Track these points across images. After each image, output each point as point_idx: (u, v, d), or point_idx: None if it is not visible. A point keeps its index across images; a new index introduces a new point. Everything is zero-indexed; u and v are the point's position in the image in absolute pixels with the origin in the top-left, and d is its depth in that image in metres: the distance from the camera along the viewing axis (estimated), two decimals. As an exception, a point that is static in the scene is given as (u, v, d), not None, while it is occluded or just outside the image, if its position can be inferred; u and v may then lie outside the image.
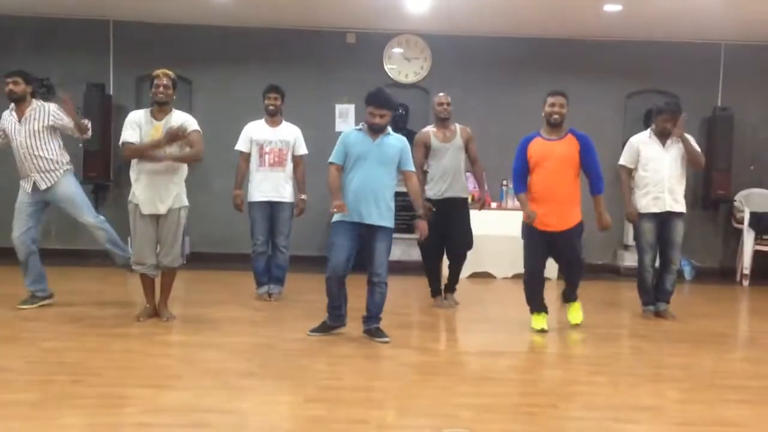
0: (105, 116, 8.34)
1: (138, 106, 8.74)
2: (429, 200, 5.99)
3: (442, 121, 6.12)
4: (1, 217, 8.28)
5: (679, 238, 5.89)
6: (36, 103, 5.62)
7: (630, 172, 5.99)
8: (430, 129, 6.18)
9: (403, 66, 8.91)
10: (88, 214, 5.70)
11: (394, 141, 5.03)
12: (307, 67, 8.70)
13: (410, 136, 8.60)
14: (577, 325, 5.52)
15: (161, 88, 5.11)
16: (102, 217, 5.82)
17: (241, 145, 6.24)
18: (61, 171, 5.64)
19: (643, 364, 4.69)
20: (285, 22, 8.51)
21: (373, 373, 4.35)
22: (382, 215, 4.91)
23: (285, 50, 8.72)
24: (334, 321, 5.07)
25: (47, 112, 5.59)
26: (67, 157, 5.71)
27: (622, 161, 6.04)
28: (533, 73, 8.67)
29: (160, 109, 5.16)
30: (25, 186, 5.62)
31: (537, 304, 5.45)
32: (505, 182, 8.04)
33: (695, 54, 8.71)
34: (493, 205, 8.11)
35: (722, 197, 8.56)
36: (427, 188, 6.04)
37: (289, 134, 6.22)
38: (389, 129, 5.06)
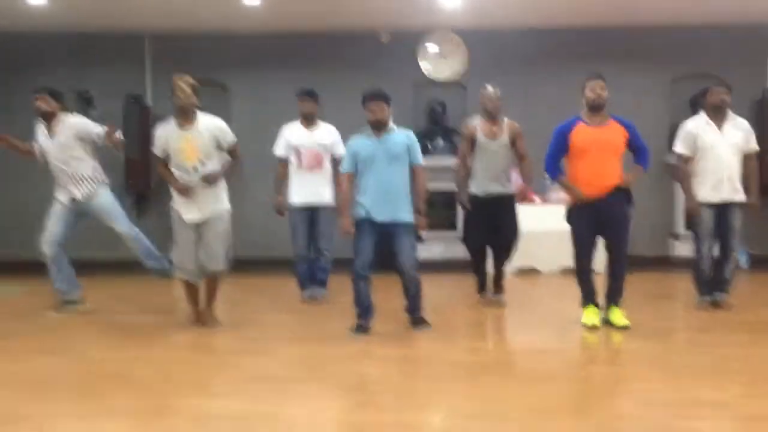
0: (144, 126, 8.39)
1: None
2: (473, 196, 5.88)
3: (490, 116, 5.90)
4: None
5: (738, 226, 5.65)
6: (63, 117, 5.69)
7: (690, 161, 5.69)
8: (476, 123, 5.97)
9: (438, 63, 8.81)
10: (123, 224, 5.75)
11: (400, 136, 5.02)
12: (342, 69, 8.66)
13: (448, 133, 8.61)
14: (624, 328, 5.11)
15: (182, 95, 5.04)
16: (137, 229, 5.85)
17: (279, 150, 6.21)
18: (96, 183, 5.71)
19: (702, 358, 4.49)
20: (318, 26, 8.47)
21: (422, 375, 4.25)
22: (398, 210, 4.93)
23: (319, 53, 8.70)
24: (366, 320, 5.04)
25: (68, 125, 5.66)
26: (101, 171, 5.78)
27: (680, 150, 5.72)
28: (572, 64, 8.45)
29: (183, 116, 5.08)
30: (62, 198, 5.69)
31: (589, 295, 5.26)
32: (547, 176, 7.85)
33: (742, 36, 8.42)
34: (537, 199, 7.95)
35: (779, 181, 8.24)
36: (471, 184, 5.92)
37: (327, 136, 6.15)
38: (393, 126, 5.04)
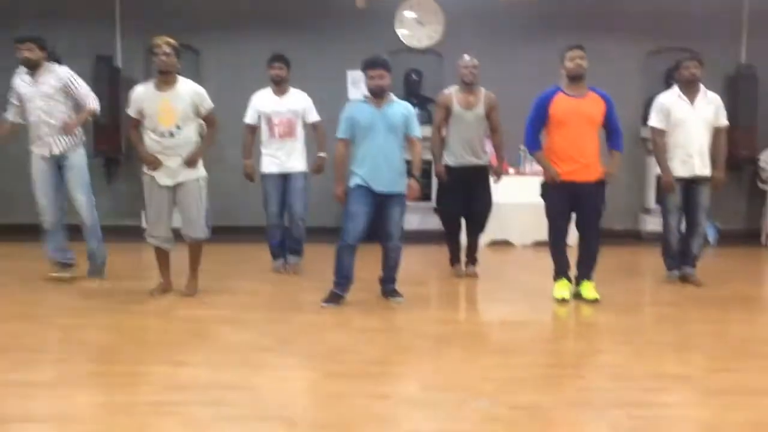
0: (113, 89, 8.21)
1: (147, 78, 8.60)
2: (447, 167, 5.85)
3: (467, 86, 5.83)
4: (12, 193, 8.32)
5: (706, 202, 5.70)
6: (49, 66, 5.51)
7: (664, 134, 5.70)
8: (452, 92, 5.89)
9: (415, 30, 8.70)
10: (85, 193, 5.59)
11: (399, 108, 4.99)
12: (317, 33, 8.51)
13: (424, 102, 8.54)
14: (594, 301, 5.17)
15: (162, 57, 4.92)
16: (93, 200, 5.70)
17: (248, 117, 6.10)
18: (76, 139, 5.57)
19: (670, 332, 4.57)
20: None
21: (394, 346, 4.25)
22: (395, 181, 4.94)
23: (294, 16, 8.53)
24: (344, 290, 5.02)
25: (63, 74, 5.49)
26: (80, 128, 5.62)
27: (654, 123, 5.73)
28: (550, 33, 8.41)
29: (163, 79, 4.98)
30: (39, 152, 5.52)
31: (562, 268, 5.30)
32: (522, 147, 7.85)
33: (718, 10, 8.43)
34: (511, 171, 7.95)
35: (746, 157, 8.32)
36: (444, 154, 5.89)
37: (297, 103, 6.03)
38: (393, 96, 5.00)
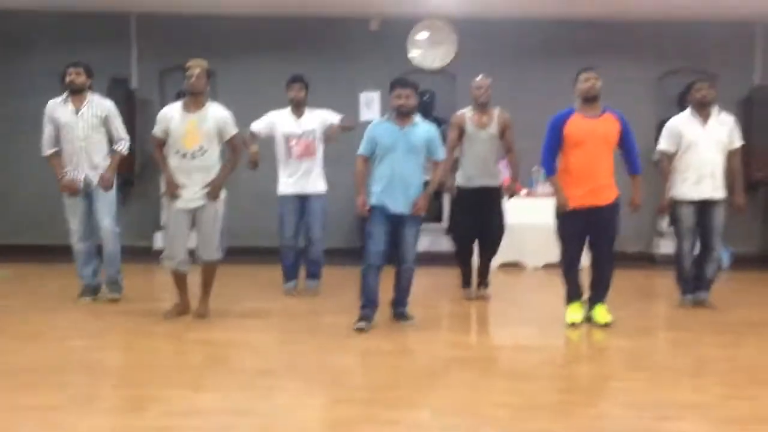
0: (129, 111, 8.23)
1: (162, 99, 8.73)
2: (458, 188, 5.86)
3: (480, 106, 5.86)
4: (33, 216, 8.40)
5: (720, 225, 5.65)
6: (92, 96, 5.59)
7: (671, 159, 5.68)
8: (466, 112, 5.92)
9: (428, 52, 8.73)
10: (112, 220, 5.61)
11: (422, 130, 4.97)
12: (331, 55, 8.57)
13: (438, 123, 8.53)
14: (607, 325, 5.13)
15: (193, 79, 4.98)
16: (118, 230, 5.72)
17: (258, 125, 6.10)
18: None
19: (684, 358, 4.51)
20: (308, 11, 8.36)
21: (405, 370, 4.22)
22: (410, 205, 4.91)
23: (308, 39, 8.60)
24: (372, 312, 4.98)
25: (106, 105, 5.58)
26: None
27: (663, 147, 5.71)
28: (562, 55, 8.44)
29: (192, 100, 5.03)
30: (76, 179, 5.55)
31: (575, 292, 5.25)
32: (535, 168, 7.85)
33: (730, 32, 8.42)
34: (523, 192, 7.93)
35: (761, 179, 8.25)
36: (458, 175, 5.89)
37: (314, 122, 6.02)
38: (418, 117, 4.98)
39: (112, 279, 5.74)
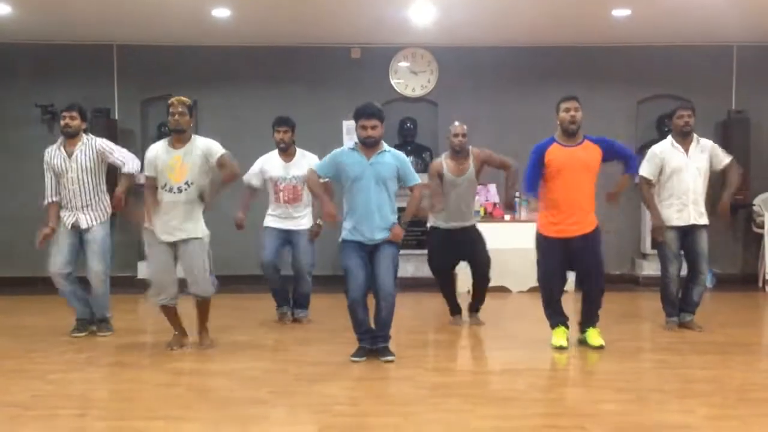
0: (111, 141, 8.23)
1: (143, 130, 8.73)
2: (433, 227, 5.94)
3: (456, 153, 5.83)
4: (10, 246, 8.30)
5: (705, 249, 5.71)
6: (86, 138, 5.55)
7: (651, 185, 5.73)
8: (443, 159, 5.90)
9: (409, 79, 8.82)
10: (103, 264, 5.54)
11: (390, 158, 4.88)
12: (313, 83, 8.63)
13: (420, 150, 8.61)
14: (600, 348, 5.15)
15: (176, 116, 4.95)
16: (109, 272, 5.66)
17: (251, 178, 6.08)
18: (106, 214, 5.58)
19: (671, 379, 4.51)
20: (288, 40, 8.43)
21: (390, 397, 4.19)
22: (384, 231, 4.84)
23: (289, 67, 8.65)
24: (371, 343, 4.91)
25: (97, 145, 5.53)
26: (108, 204, 5.62)
27: (644, 173, 5.74)
28: (542, 82, 8.56)
29: (177, 137, 5.01)
30: (65, 221, 5.50)
31: (556, 318, 5.27)
32: (518, 194, 7.88)
33: (707, 57, 8.58)
34: (506, 217, 7.97)
35: (740, 202, 8.34)
36: (433, 217, 5.91)
37: (302, 169, 5.88)
38: (385, 145, 4.92)
39: (102, 317, 5.66)
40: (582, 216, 5.09)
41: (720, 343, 5.39)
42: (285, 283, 6.15)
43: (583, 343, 5.23)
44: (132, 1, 6.97)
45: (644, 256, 8.49)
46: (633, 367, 4.87)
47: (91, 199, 5.50)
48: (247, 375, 4.59)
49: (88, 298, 5.65)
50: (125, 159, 5.58)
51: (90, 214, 5.51)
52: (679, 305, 5.81)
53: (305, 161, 5.93)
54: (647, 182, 5.75)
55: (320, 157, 6.06)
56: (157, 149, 5.05)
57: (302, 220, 6.05)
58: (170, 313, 5.20)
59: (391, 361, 4.82)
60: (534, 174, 5.16)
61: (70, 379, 4.47)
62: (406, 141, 8.68)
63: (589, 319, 5.26)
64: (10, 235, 8.40)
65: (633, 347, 5.45)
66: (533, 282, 7.06)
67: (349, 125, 8.49)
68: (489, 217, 8.07)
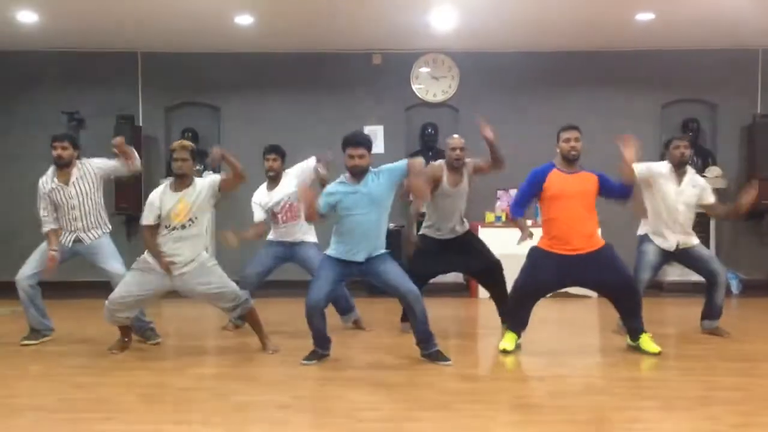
0: (135, 148, 8.19)
1: (167, 136, 8.81)
2: (424, 236, 5.83)
3: (453, 168, 5.72)
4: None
5: (707, 253, 5.73)
6: (80, 164, 5.56)
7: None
8: (444, 167, 5.74)
9: (430, 85, 8.83)
10: (116, 263, 5.54)
11: (375, 179, 4.83)
12: (334, 90, 8.67)
13: (440, 155, 8.57)
14: (657, 354, 5.13)
15: (180, 162, 5.02)
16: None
17: (258, 214, 6.01)
18: (106, 228, 5.62)
19: (696, 386, 4.46)
20: (310, 46, 8.49)
21: (413, 403, 4.18)
22: (377, 246, 4.88)
23: (311, 74, 8.70)
24: (324, 348, 4.98)
25: (93, 169, 5.55)
26: (107, 218, 5.69)
27: (637, 170, 5.47)
28: (564, 87, 8.54)
29: (180, 181, 5.07)
30: (64, 241, 5.52)
31: (516, 324, 5.32)
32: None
33: (732, 61, 8.50)
34: (528, 222, 7.92)
35: (766, 207, 8.26)
36: (426, 226, 5.84)
37: (290, 185, 5.89)
38: (370, 169, 4.87)
39: (144, 327, 5.58)
40: (586, 237, 5.08)
41: (746, 350, 5.33)
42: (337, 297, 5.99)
43: (637, 350, 5.23)
44: (156, 9, 7.07)
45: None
46: (658, 374, 4.83)
47: (94, 220, 5.55)
48: (271, 380, 4.61)
49: (45, 310, 5.69)
50: (116, 162, 5.55)
51: (93, 232, 5.56)
52: (703, 312, 5.75)
53: (290, 178, 5.92)
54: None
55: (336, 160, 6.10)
56: (161, 196, 5.04)
57: (305, 235, 5.99)
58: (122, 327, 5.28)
59: (449, 365, 4.85)
60: (527, 195, 5.20)
61: (95, 383, 4.52)
62: (427, 146, 8.69)
63: (635, 328, 5.24)
64: (37, 239, 8.50)
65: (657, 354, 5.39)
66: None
67: (369, 130, 8.52)
68: (509, 222, 8.01)
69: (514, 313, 5.34)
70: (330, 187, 4.97)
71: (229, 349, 5.43)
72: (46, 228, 5.53)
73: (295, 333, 5.95)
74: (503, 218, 8.02)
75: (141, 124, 8.69)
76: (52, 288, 8.12)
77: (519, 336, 5.32)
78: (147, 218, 5.04)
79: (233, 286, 5.17)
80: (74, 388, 4.41)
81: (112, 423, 3.75)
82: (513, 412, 3.98)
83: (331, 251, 4.93)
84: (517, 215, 5.31)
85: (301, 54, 8.63)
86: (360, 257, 4.85)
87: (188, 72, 8.66)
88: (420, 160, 4.91)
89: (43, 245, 5.55)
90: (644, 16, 7.32)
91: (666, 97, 8.64)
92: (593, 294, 7.71)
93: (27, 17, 7.28)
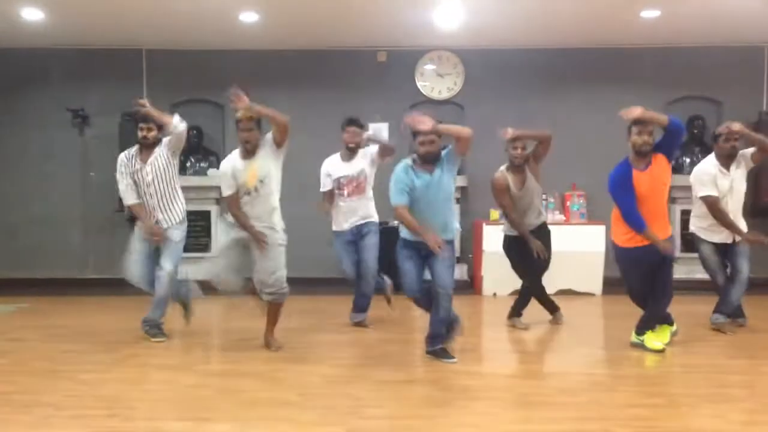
0: (140, 144, 8.35)
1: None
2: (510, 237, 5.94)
3: (517, 167, 5.80)
4: (45, 249, 8.46)
5: (745, 248, 5.73)
6: (161, 145, 5.59)
7: (719, 201, 5.64)
8: (506, 173, 5.84)
9: (435, 82, 8.81)
10: (173, 264, 5.54)
11: (443, 167, 4.80)
12: (339, 87, 8.66)
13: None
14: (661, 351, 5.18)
15: (245, 133, 5.03)
16: (177, 275, 5.65)
17: (323, 187, 6.12)
18: (183, 214, 5.63)
19: (702, 383, 4.45)
20: (315, 44, 8.48)
21: (417, 399, 4.19)
22: (444, 230, 4.82)
23: (316, 71, 8.69)
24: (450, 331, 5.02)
25: (162, 146, 5.56)
26: (184, 206, 5.68)
27: (707, 193, 5.64)
28: (569, 83, 8.52)
29: (247, 147, 5.10)
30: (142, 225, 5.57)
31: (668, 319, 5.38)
32: (544, 196, 7.83)
33: (737, 58, 8.46)
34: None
35: (773, 204, 8.24)
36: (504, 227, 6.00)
37: (362, 162, 6.00)
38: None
39: (154, 323, 5.61)
40: (661, 225, 5.10)
41: (752, 348, 5.33)
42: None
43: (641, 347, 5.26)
44: (161, 6, 7.07)
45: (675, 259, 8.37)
46: (663, 371, 4.83)
47: (169, 200, 5.56)
48: (276, 377, 4.62)
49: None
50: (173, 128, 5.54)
51: (169, 214, 5.57)
52: (716, 306, 5.84)
53: (364, 155, 6.03)
54: (716, 199, 5.66)
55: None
56: (233, 165, 5.12)
57: (370, 214, 6.06)
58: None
59: (454, 362, 4.84)
60: (634, 202, 5.00)
61: (101, 379, 4.53)
62: (432, 143, 8.66)
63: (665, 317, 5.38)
64: (42, 236, 8.56)
65: (664, 350, 5.38)
66: (561, 285, 7.06)
67: (375, 128, 8.50)
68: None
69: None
70: (400, 176, 4.85)
71: (235, 346, 5.44)
72: (133, 201, 5.58)
73: (300, 330, 5.97)
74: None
75: (146, 121, 8.68)
76: (57, 285, 8.16)
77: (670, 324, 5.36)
78: (226, 189, 5.14)
79: (282, 274, 5.14)
80: (80, 385, 4.43)
81: (117, 420, 3.76)
82: (517, 410, 3.98)
83: (402, 233, 4.92)
84: (643, 227, 4.98)
85: (306, 51, 8.63)
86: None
87: (193, 69, 8.65)
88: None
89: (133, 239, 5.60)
90: (650, 13, 7.30)
91: (671, 94, 8.60)
92: (597, 291, 7.72)
93: (32, 15, 7.28)
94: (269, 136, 5.12)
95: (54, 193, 8.67)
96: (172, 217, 5.57)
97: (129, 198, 5.56)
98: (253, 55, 8.59)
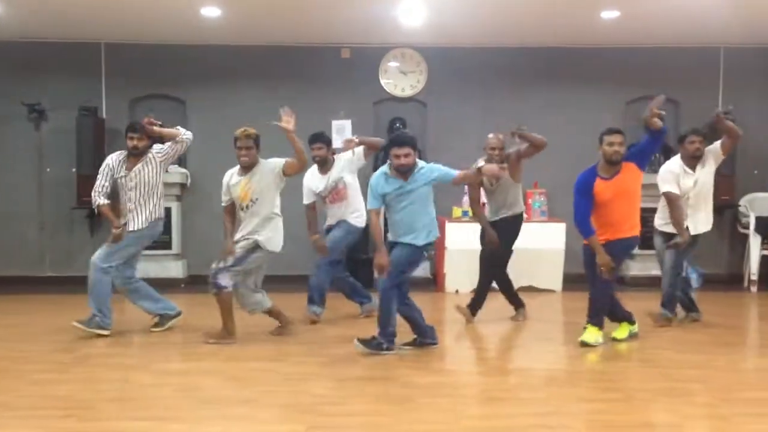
0: (98, 140, 8.22)
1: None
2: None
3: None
4: (0, 246, 8.28)
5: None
6: (148, 154, 5.63)
7: (679, 198, 5.82)
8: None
9: (399, 79, 8.82)
10: (103, 257, 5.53)
11: (422, 177, 4.94)
12: (302, 83, 8.60)
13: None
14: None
15: (243, 151, 5.22)
16: (136, 278, 5.76)
17: (305, 199, 6.29)
18: (150, 221, 5.65)
19: (657, 378, 4.53)
20: (278, 39, 8.41)
21: (378, 396, 4.18)
22: (410, 234, 5.02)
23: (279, 67, 8.63)
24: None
25: (153, 157, 5.63)
26: (161, 207, 5.77)
27: (668, 189, 5.81)
28: (531, 82, 8.60)
29: (244, 167, 5.31)
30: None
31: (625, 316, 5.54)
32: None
33: (695, 58, 8.63)
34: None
35: (726, 202, 8.39)
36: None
37: (338, 171, 6.18)
38: (418, 164, 4.98)
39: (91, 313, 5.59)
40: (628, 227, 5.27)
41: (705, 343, 5.44)
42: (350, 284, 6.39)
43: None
44: (120, -1, 6.94)
45: (632, 256, 8.51)
46: (620, 366, 4.90)
47: (149, 203, 5.65)
48: (234, 375, 4.58)
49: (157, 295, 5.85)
50: (174, 141, 5.68)
51: (139, 217, 5.64)
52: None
53: (338, 164, 6.21)
54: (677, 195, 5.84)
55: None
56: (229, 180, 5.40)
57: (349, 215, 6.23)
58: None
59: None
60: (588, 210, 5.19)
61: (57, 379, 4.45)
62: (395, 141, 8.68)
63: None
64: (5, 235, 8.37)
65: (619, 347, 5.47)
66: (520, 281, 7.13)
67: (338, 125, 8.49)
68: (473, 218, 8.06)
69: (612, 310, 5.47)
70: (376, 182, 5.06)
71: (195, 344, 5.37)
72: (103, 201, 5.61)
73: (260, 326, 5.94)
74: (470, 213, 8.05)
75: (105, 116, 8.52)
76: (12, 283, 7.99)
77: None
78: (223, 199, 5.43)
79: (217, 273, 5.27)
80: (34, 385, 4.34)
81: (72, 420, 3.69)
82: (477, 406, 4.01)
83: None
84: (589, 233, 5.19)
85: (269, 47, 8.56)
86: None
87: (153, 64, 8.52)
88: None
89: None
90: (610, 14, 7.39)
91: (630, 94, 8.72)
92: (558, 288, 7.81)
93: (-13, 7, 7.10)
94: (277, 162, 5.29)
95: (9, 188, 8.47)
96: (138, 223, 5.61)
97: (100, 198, 5.57)
98: (216, 50, 8.49)
